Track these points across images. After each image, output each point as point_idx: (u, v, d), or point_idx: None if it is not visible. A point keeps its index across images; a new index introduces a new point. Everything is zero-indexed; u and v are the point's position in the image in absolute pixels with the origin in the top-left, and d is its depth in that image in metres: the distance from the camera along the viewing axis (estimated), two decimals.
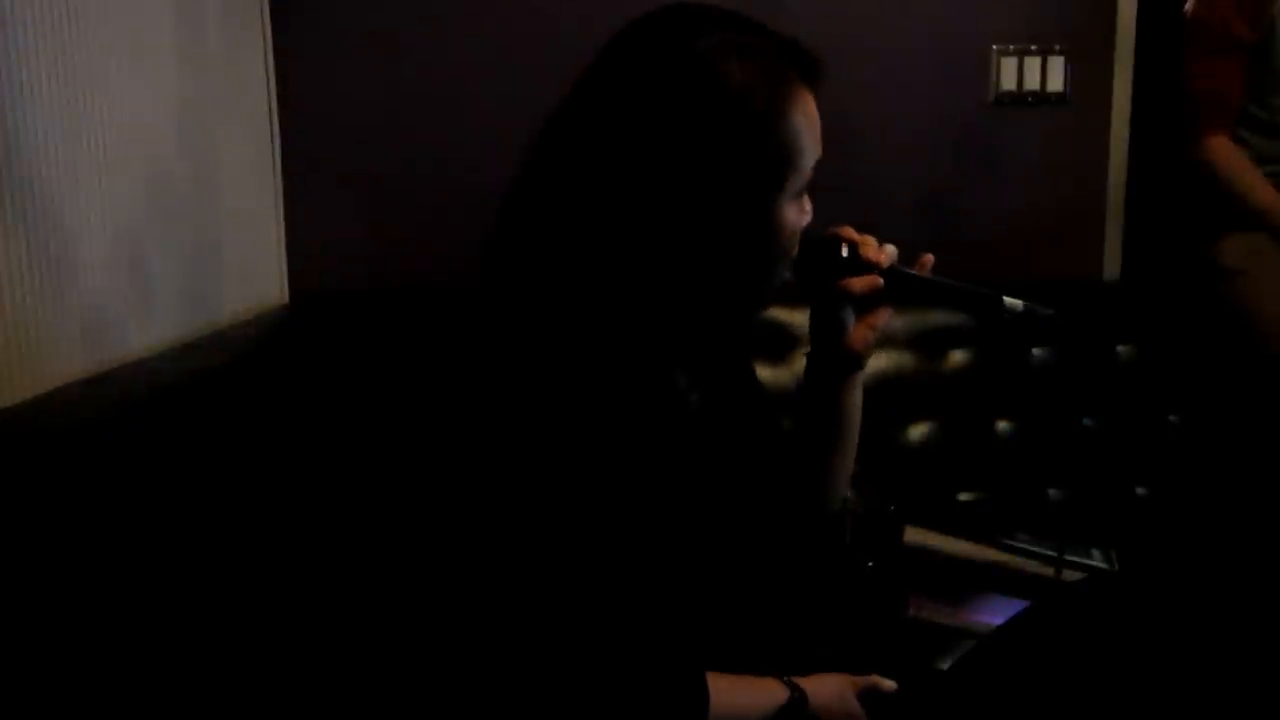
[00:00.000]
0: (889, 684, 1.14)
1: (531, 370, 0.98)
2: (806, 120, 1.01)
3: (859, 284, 1.08)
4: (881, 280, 1.08)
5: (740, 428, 1.20)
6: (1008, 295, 1.09)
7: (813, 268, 1.08)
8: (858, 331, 1.12)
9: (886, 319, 1.12)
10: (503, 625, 1.01)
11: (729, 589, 1.17)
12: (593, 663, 0.98)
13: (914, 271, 1.12)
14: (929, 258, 1.13)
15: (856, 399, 1.18)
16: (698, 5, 1.02)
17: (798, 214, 1.04)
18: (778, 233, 1.01)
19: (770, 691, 1.09)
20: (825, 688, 1.12)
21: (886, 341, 2.01)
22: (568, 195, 1.00)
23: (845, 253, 1.08)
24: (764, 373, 1.95)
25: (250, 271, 2.01)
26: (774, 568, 1.25)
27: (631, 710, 0.99)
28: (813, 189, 1.06)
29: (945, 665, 1.32)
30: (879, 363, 2.01)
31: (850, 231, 1.10)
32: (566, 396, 0.97)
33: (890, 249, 1.11)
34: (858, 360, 1.14)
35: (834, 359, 1.14)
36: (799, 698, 1.09)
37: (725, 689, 1.04)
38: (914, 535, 1.56)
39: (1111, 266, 2.30)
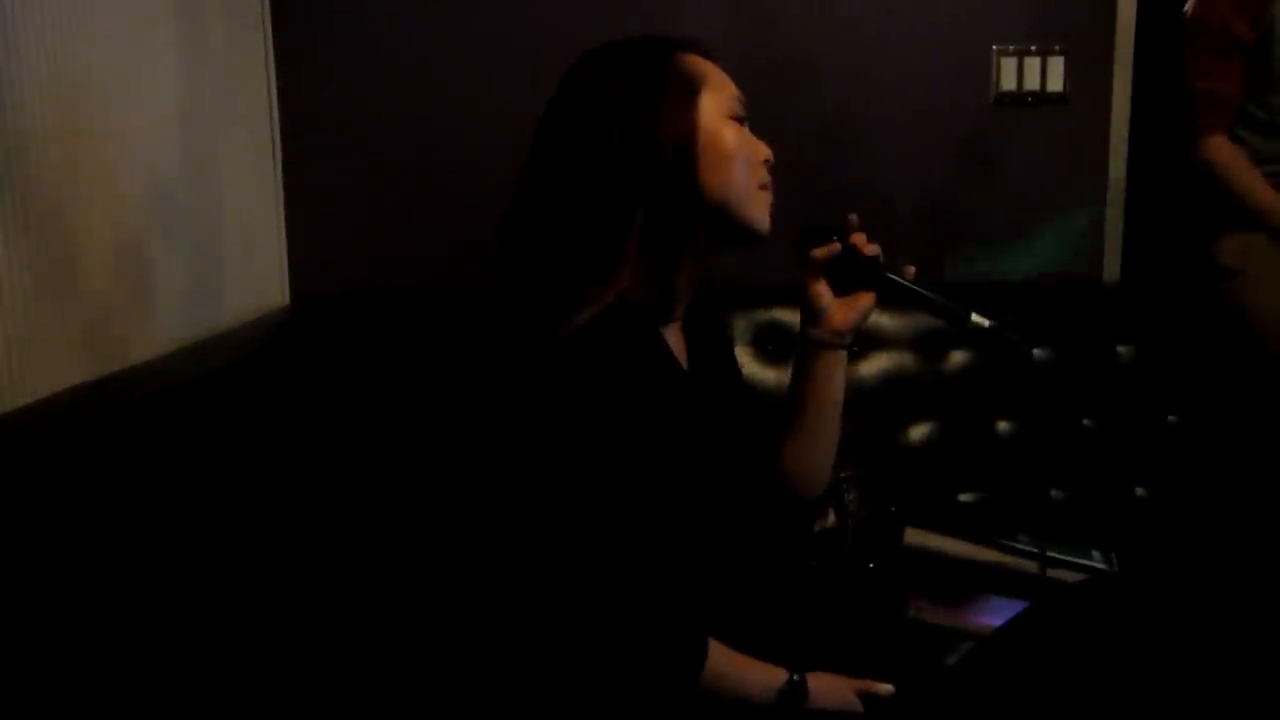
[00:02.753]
0: (886, 688, 1.15)
1: (535, 343, 1.10)
2: (695, 66, 1.17)
3: (821, 251, 1.20)
4: (839, 247, 1.20)
5: (721, 399, 1.30)
6: (977, 311, 1.18)
7: (805, 246, 1.21)
8: (840, 311, 1.22)
9: (870, 303, 1.22)
10: (510, 585, 1.11)
11: (721, 560, 1.23)
12: (597, 612, 1.08)
13: (892, 275, 1.21)
14: (911, 269, 1.23)
15: (837, 377, 1.26)
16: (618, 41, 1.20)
17: (738, 133, 1.16)
18: (716, 141, 1.15)
19: (771, 672, 1.14)
20: (825, 682, 1.16)
21: (887, 342, 2.02)
22: (553, 186, 1.15)
23: (835, 237, 1.21)
24: (764, 372, 1.97)
25: (251, 273, 2.01)
26: (753, 545, 1.29)
27: (633, 655, 1.08)
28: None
29: (945, 666, 1.32)
30: (880, 363, 2.01)
31: (850, 222, 1.22)
32: (569, 365, 1.09)
33: (875, 247, 1.22)
34: (840, 335, 1.23)
35: (819, 333, 1.23)
36: (798, 682, 1.14)
37: (726, 656, 1.12)
38: (914, 536, 1.56)
39: (1111, 266, 2.30)
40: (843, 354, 1.25)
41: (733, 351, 1.40)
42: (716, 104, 1.16)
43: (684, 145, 1.13)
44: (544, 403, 1.09)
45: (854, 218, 1.22)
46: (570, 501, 1.08)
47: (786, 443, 1.28)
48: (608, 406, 1.10)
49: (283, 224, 2.15)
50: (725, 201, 1.16)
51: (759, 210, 1.18)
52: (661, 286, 1.16)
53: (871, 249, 1.21)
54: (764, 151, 1.19)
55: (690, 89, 1.15)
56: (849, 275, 1.21)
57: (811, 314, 1.23)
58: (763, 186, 1.19)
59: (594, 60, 1.17)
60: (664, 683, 1.09)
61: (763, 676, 1.14)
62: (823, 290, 1.22)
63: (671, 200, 1.13)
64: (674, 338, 1.23)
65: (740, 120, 1.18)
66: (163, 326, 1.59)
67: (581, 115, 1.14)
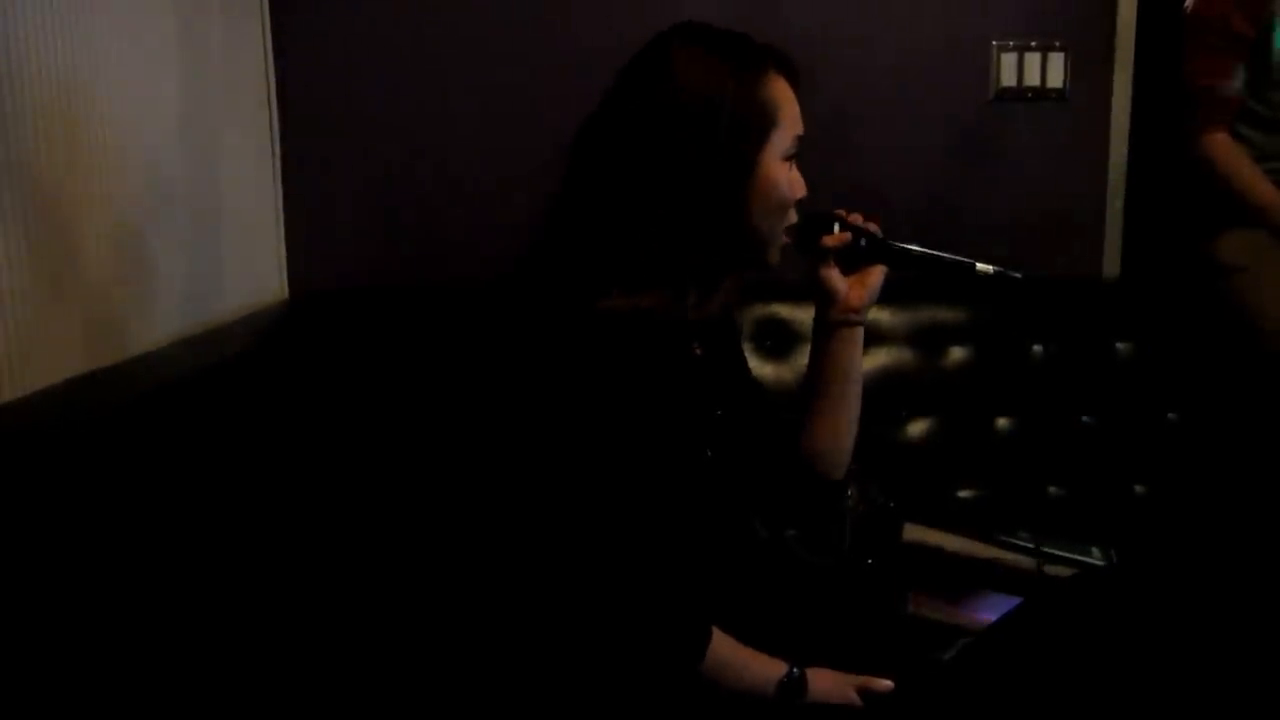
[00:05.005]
0: (885, 683, 1.16)
1: (555, 337, 1.13)
2: (781, 94, 1.19)
3: (832, 239, 1.26)
4: (849, 235, 1.26)
5: (736, 389, 1.34)
6: (980, 262, 1.26)
7: (809, 237, 1.27)
8: (853, 290, 1.28)
9: (880, 276, 1.28)
10: (516, 576, 1.13)
11: (727, 561, 1.24)
12: (604, 597, 1.10)
13: (899, 244, 1.28)
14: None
15: (856, 353, 1.31)
16: (687, 23, 1.22)
17: (787, 174, 1.19)
18: (769, 183, 1.18)
19: (772, 664, 1.16)
20: (824, 677, 1.18)
21: (886, 338, 2.02)
22: (599, 189, 1.17)
23: (836, 225, 1.27)
24: (764, 367, 1.97)
25: (250, 268, 2.01)
26: (769, 542, 1.30)
27: (636, 640, 1.11)
28: (807, 170, 1.23)
29: (942, 661, 1.32)
30: (879, 359, 2.01)
31: (841, 212, 1.29)
32: (584, 353, 1.12)
33: (874, 224, 1.30)
34: (855, 312, 1.28)
35: (834, 313, 1.29)
36: (798, 675, 1.16)
37: (729, 646, 1.15)
38: (913, 532, 1.56)
39: (1111, 263, 2.30)
40: (860, 330, 1.30)
41: (739, 339, 1.43)
42: (780, 144, 1.18)
43: (741, 182, 1.16)
44: (554, 390, 1.11)
45: (857, 217, 1.28)
46: (579, 486, 1.10)
47: (812, 426, 1.32)
48: (621, 393, 1.12)
49: (281, 218, 2.14)
50: (756, 238, 1.20)
51: (778, 248, 1.23)
52: (700, 309, 1.22)
53: (872, 226, 1.29)
54: (800, 193, 1.22)
55: (765, 126, 1.17)
56: (856, 255, 1.27)
57: (827, 298, 1.28)
58: (787, 229, 1.23)
59: (691, 58, 1.17)
60: (667, 668, 1.11)
61: (763, 668, 1.15)
62: (834, 274, 1.27)
63: (724, 230, 1.17)
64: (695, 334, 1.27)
65: (792, 157, 1.21)
66: (161, 320, 1.59)
67: (676, 124, 1.14)
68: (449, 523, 1.25)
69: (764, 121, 1.17)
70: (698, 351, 1.28)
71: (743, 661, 1.15)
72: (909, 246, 1.28)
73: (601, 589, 1.10)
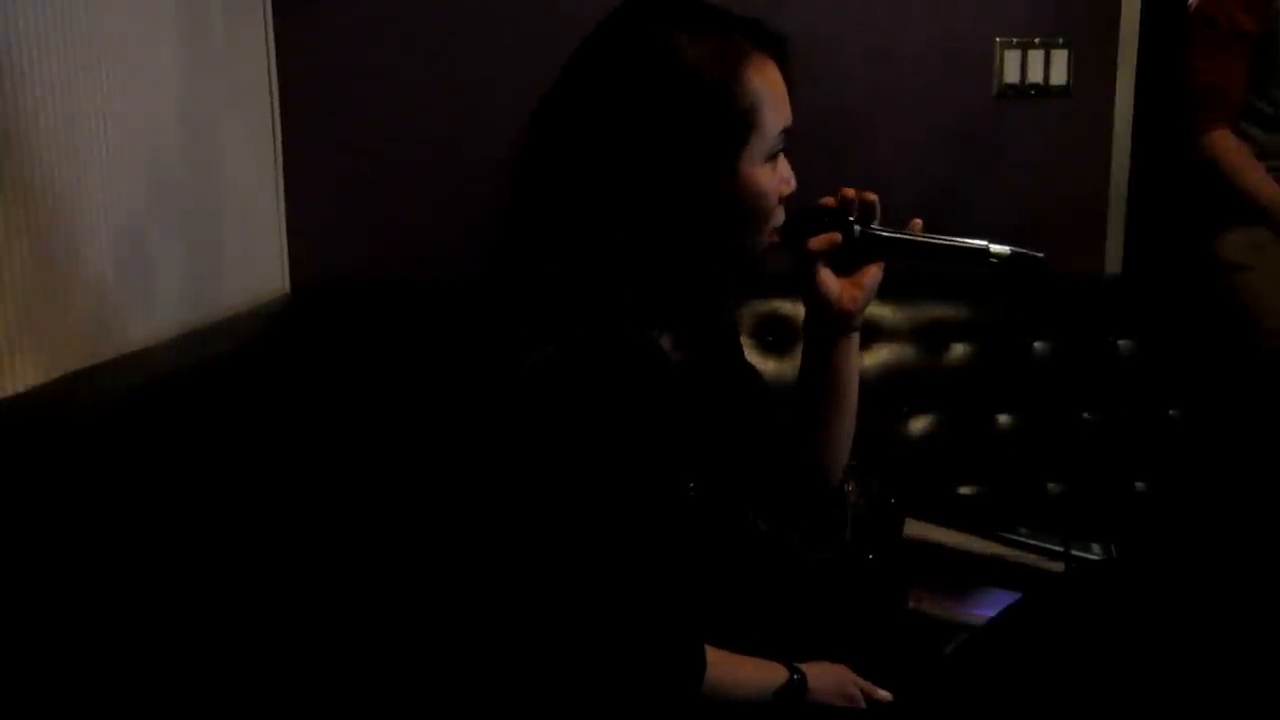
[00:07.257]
0: (884, 694, 1.15)
1: (526, 355, 1.03)
2: (766, 85, 1.04)
3: (818, 242, 1.12)
4: (839, 236, 1.12)
5: (726, 396, 1.24)
6: (994, 244, 1.13)
7: (797, 235, 1.12)
8: (846, 291, 1.14)
9: (877, 276, 1.15)
10: (505, 599, 1.07)
11: (725, 560, 1.21)
12: (592, 630, 1.02)
13: (898, 235, 1.14)
14: (918, 221, 1.16)
15: (851, 360, 1.19)
16: None
17: (771, 176, 1.07)
18: (747, 191, 1.05)
19: (771, 670, 1.13)
20: (825, 674, 1.16)
21: (888, 334, 2.02)
22: (556, 174, 1.06)
23: (826, 220, 1.13)
24: (765, 363, 1.96)
25: (251, 261, 2.01)
26: (770, 536, 1.28)
27: (628, 673, 1.03)
28: (799, 160, 1.11)
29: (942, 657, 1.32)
30: (881, 355, 2.01)
31: (830, 201, 1.14)
32: (560, 377, 1.01)
33: (870, 195, 1.15)
34: (849, 318, 1.16)
35: (826, 319, 1.16)
36: (799, 679, 1.13)
37: (724, 662, 1.09)
38: (914, 528, 1.56)
39: (1113, 260, 2.30)
40: (855, 336, 1.18)
41: (737, 338, 1.34)
42: (762, 144, 1.04)
43: (718, 184, 1.04)
44: (542, 416, 1.02)
45: (849, 192, 1.14)
46: (566, 516, 1.03)
47: (808, 432, 1.22)
48: (605, 421, 1.03)
49: (283, 212, 2.14)
50: (737, 253, 1.10)
51: (762, 254, 1.11)
52: (678, 349, 1.15)
53: (870, 196, 1.14)
54: (787, 189, 1.10)
55: (743, 129, 1.03)
56: (850, 252, 1.13)
57: (818, 303, 1.15)
58: (774, 229, 1.10)
59: (664, 42, 1.02)
60: (662, 699, 1.06)
61: (762, 677, 1.12)
62: (826, 277, 1.14)
63: (682, 209, 1.04)
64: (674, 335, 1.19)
65: (779, 152, 1.08)
66: (163, 313, 1.58)
67: (643, 119, 1.02)
68: (440, 535, 1.20)
69: (746, 118, 1.02)
70: (676, 363, 1.17)
71: (740, 678, 1.10)
72: (909, 235, 1.14)
73: (591, 621, 1.03)
